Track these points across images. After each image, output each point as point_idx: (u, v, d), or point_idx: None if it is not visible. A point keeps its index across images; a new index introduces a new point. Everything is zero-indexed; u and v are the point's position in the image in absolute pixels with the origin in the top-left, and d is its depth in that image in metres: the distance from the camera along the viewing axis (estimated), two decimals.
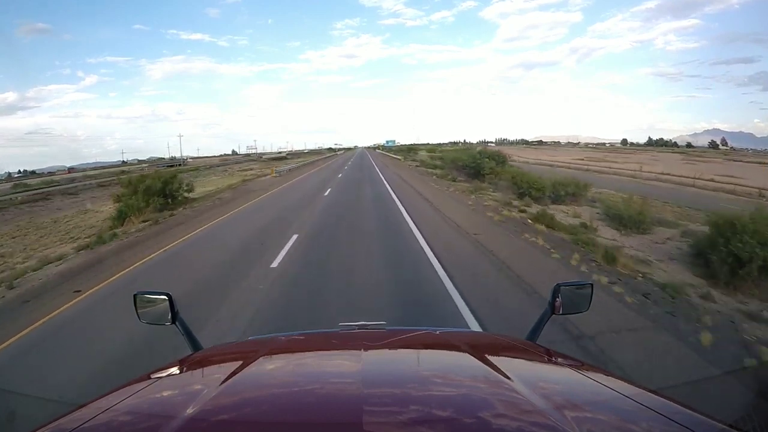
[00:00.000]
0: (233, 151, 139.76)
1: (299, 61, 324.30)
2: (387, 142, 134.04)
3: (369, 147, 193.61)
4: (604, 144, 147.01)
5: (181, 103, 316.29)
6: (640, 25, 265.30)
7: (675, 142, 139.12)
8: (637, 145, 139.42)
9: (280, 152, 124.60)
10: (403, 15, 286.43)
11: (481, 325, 4.67)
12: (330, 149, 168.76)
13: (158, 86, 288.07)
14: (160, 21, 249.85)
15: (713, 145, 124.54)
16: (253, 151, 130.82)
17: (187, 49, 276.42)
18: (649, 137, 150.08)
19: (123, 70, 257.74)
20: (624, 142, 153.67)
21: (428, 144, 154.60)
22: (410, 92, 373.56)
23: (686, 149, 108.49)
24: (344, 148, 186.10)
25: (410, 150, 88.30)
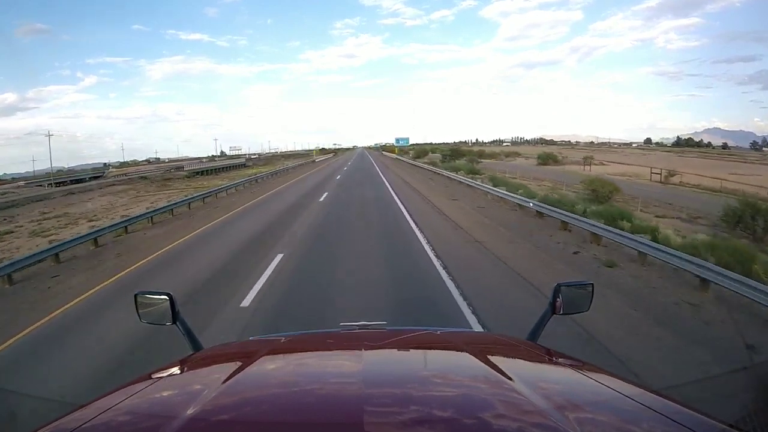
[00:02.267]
0: (222, 152, 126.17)
1: (299, 61, 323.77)
2: (398, 140, 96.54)
3: (371, 147, 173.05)
4: (630, 144, 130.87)
5: (181, 104, 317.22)
6: (641, 24, 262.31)
7: (709, 142, 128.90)
8: (663, 145, 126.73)
9: (247, 155, 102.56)
10: (402, 14, 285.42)
11: None
12: (323, 150, 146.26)
13: (158, 87, 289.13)
14: (159, 21, 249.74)
15: (755, 146, 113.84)
16: (237, 152, 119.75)
17: (187, 50, 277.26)
18: (678, 137, 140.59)
19: (122, 70, 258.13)
20: (647, 141, 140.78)
21: (432, 143, 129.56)
22: (410, 92, 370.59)
23: (734, 152, 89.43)
24: (335, 149, 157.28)
25: (454, 155, 46.65)
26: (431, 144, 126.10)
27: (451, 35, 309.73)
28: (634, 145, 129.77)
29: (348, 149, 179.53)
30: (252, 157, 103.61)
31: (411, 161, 47.35)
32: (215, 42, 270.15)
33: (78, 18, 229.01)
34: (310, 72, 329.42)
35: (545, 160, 51.11)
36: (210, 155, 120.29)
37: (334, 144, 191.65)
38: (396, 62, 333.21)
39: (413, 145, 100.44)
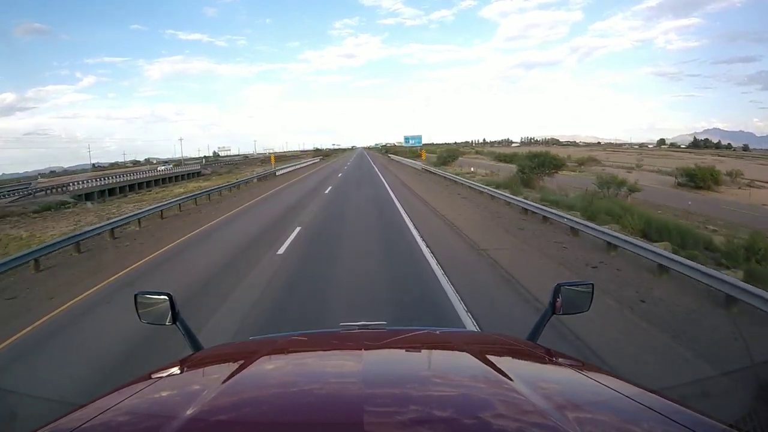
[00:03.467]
0: (214, 152, 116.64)
1: (298, 61, 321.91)
2: (408, 139, 68.93)
3: (371, 147, 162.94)
4: (646, 146, 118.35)
5: (181, 104, 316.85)
6: (641, 24, 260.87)
7: (729, 144, 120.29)
8: (677, 146, 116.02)
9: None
10: (402, 14, 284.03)
11: None
12: (317, 150, 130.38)
13: (157, 87, 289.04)
14: (157, 21, 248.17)
15: None
16: (226, 153, 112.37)
17: (186, 50, 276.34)
18: (695, 137, 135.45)
19: (121, 70, 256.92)
20: (661, 142, 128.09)
21: (434, 144, 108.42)
22: (411, 92, 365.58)
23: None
24: (328, 150, 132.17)
25: (542, 165, 23.49)
26: (434, 144, 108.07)
27: (450, 35, 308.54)
28: (650, 146, 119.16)
29: (346, 149, 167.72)
30: (232, 158, 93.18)
31: (464, 180, 22.01)
32: (214, 42, 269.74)
33: (76, 17, 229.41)
34: (310, 72, 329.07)
35: (701, 179, 28.15)
36: (203, 156, 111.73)
37: (334, 144, 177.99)
38: (396, 62, 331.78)
39: (450, 147, 76.37)
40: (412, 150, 61.79)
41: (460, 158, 45.53)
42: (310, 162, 63.53)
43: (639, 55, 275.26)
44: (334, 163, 58.46)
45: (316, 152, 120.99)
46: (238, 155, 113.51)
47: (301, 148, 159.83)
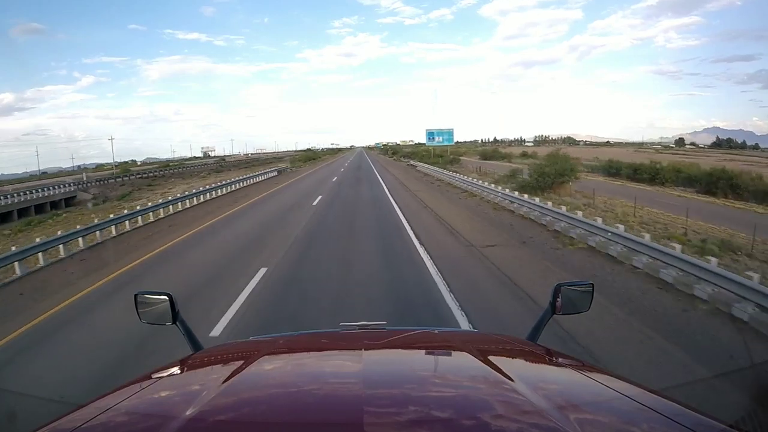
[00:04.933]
0: (205, 153, 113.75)
1: (297, 60, 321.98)
2: (431, 136, 48.37)
3: (371, 147, 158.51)
4: (670, 145, 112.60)
5: (180, 104, 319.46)
6: (640, 23, 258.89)
7: (756, 144, 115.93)
8: (696, 145, 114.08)
9: None
10: (401, 13, 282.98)
11: None
12: (309, 150, 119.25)
13: (156, 87, 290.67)
14: (155, 20, 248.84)
15: None
16: (213, 153, 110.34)
17: (184, 49, 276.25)
18: (717, 137, 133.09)
19: (119, 70, 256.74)
20: (679, 142, 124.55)
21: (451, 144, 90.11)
22: (410, 92, 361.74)
23: None
24: (314, 152, 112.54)
25: None
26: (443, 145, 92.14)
27: (450, 34, 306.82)
28: (672, 145, 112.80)
29: (345, 149, 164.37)
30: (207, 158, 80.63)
31: None
32: (212, 41, 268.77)
33: (73, 17, 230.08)
34: (309, 72, 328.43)
35: None
36: (192, 156, 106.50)
37: (332, 144, 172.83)
38: (395, 61, 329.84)
39: (414, 146, 57.71)
40: (438, 153, 42.73)
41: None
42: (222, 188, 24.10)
43: (639, 54, 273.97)
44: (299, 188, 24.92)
45: (306, 152, 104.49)
46: (213, 157, 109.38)
47: (295, 148, 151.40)
